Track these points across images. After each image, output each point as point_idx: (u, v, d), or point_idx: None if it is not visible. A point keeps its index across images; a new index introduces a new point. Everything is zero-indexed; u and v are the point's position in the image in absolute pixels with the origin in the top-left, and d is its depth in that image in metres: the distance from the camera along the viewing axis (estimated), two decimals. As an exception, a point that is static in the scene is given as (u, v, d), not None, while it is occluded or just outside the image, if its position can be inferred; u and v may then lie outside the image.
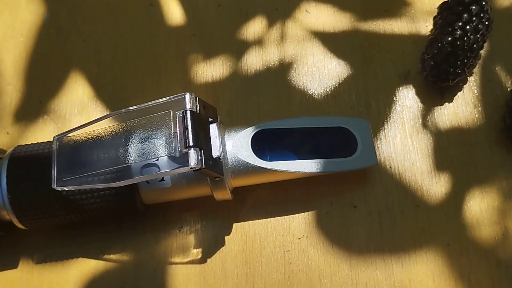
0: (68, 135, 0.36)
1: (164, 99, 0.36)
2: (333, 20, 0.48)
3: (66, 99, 0.47)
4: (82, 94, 0.47)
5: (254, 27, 0.49)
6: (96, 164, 0.35)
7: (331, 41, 0.48)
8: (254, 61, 0.47)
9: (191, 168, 0.33)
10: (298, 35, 0.48)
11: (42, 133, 0.46)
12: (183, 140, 0.34)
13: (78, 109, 0.47)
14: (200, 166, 0.33)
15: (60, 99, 0.47)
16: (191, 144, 0.33)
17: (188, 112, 0.34)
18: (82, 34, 0.50)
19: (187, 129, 0.34)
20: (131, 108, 0.36)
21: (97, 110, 0.47)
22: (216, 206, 0.42)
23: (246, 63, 0.47)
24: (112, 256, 0.41)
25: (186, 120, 0.34)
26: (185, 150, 0.33)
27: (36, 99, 0.47)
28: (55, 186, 0.35)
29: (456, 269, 0.39)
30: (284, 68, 0.47)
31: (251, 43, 0.48)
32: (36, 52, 0.50)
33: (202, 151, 0.34)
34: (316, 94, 0.46)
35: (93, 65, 0.49)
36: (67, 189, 0.35)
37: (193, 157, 0.33)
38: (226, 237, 0.41)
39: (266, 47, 0.48)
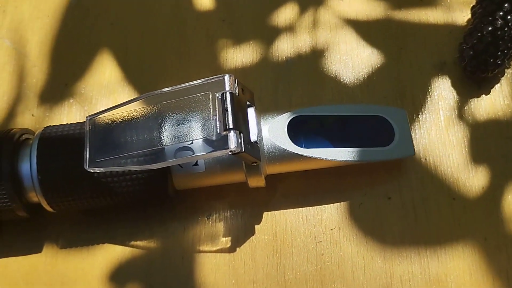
0: (101, 115, 0.35)
1: (200, 80, 0.34)
2: (366, 8, 0.47)
3: (93, 82, 0.46)
4: (109, 77, 0.46)
5: (286, 13, 0.48)
6: (129, 146, 0.34)
7: (364, 30, 0.47)
8: (285, 48, 0.46)
9: (231, 151, 0.32)
10: (330, 22, 0.47)
11: (68, 116, 0.45)
12: (222, 122, 0.33)
13: (105, 93, 0.46)
14: (240, 149, 0.32)
15: (86, 82, 0.46)
16: (231, 126, 0.32)
17: (228, 93, 0.33)
18: (109, 17, 0.49)
19: (227, 111, 0.33)
20: (165, 89, 0.35)
21: (124, 93, 0.45)
22: (245, 194, 0.41)
23: (276, 50, 0.46)
24: (139, 243, 0.40)
25: (226, 102, 0.33)
26: (224, 132, 0.32)
27: (62, 82, 0.46)
28: (87, 167, 0.34)
29: (494, 265, 0.38)
30: (315, 56, 0.46)
31: (282, 30, 0.47)
32: (62, 34, 0.48)
33: (241, 134, 0.33)
34: (349, 83, 0.45)
35: (120, 49, 0.47)
36: (99, 171, 0.34)
37: (233, 140, 0.32)
38: (256, 226, 0.40)
39: (297, 34, 0.47)
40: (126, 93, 0.45)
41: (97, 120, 0.35)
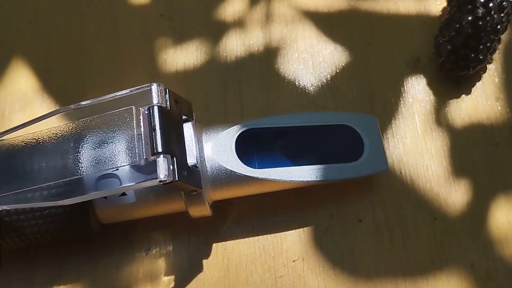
0: (1, 138, 0.28)
1: (124, 91, 0.28)
2: (327, -3, 0.41)
3: (6, 92, 0.39)
4: (25, 86, 0.39)
5: (234, 6, 0.41)
6: (38, 177, 0.27)
7: (325, 23, 0.41)
8: (234, 46, 0.40)
9: (160, 181, 0.25)
10: (286, 15, 0.41)
11: (-25, 134, 0.37)
12: (150, 144, 0.26)
13: (21, 105, 0.39)
14: (172, 179, 0.26)
15: (-3, 93, 0.39)
16: (159, 149, 0.26)
17: (156, 108, 0.27)
18: (26, 15, 0.42)
19: (154, 130, 0.26)
20: (83, 103, 0.28)
21: (44, 106, 0.38)
22: (191, 222, 0.34)
23: (224, 48, 0.40)
24: (63, 287, 0.33)
25: (153, 118, 0.26)
26: (152, 157, 0.26)
27: (-32, 93, 0.39)
28: (-18, 205, 0.27)
29: (483, 295, 0.32)
30: (270, 54, 0.40)
31: (231, 25, 0.41)
32: (-31, 36, 0.41)
33: (174, 158, 0.26)
34: (310, 85, 0.38)
35: (41, 51, 0.40)
36: (0, 209, 0.27)
37: (163, 167, 0.25)
38: (204, 261, 0.34)
39: (248, 29, 0.40)
40: (46, 105, 0.38)
41: (-5, 144, 0.28)
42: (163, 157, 0.26)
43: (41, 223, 0.29)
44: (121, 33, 0.41)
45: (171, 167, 0.26)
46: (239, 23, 0.41)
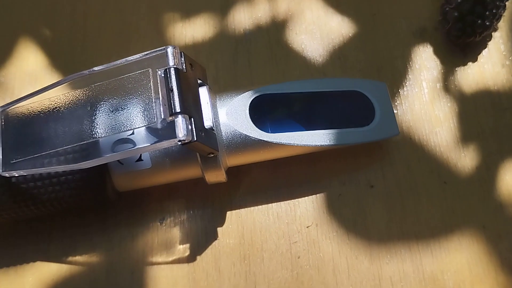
0: (16, 105, 0.28)
1: (139, 55, 0.28)
2: (333, -31, 0.41)
3: (15, 69, 0.39)
4: (34, 62, 0.39)
5: (241, -21, 0.41)
6: (54, 141, 0.27)
7: (331, -6, 0.41)
8: (242, 19, 0.40)
9: (180, 140, 0.25)
10: (293, -12, 0.41)
11: (-15, 110, 0.37)
12: (167, 105, 0.26)
13: (29, 81, 0.39)
14: (191, 138, 0.26)
15: (7, 70, 0.39)
16: (177, 110, 0.26)
17: (173, 69, 0.27)
18: (32, -9, 0.42)
19: (172, 91, 0.26)
20: (96, 68, 0.28)
21: (53, 80, 0.38)
22: (204, 191, 0.34)
23: (233, 21, 0.40)
24: (78, 258, 0.34)
25: (170, 79, 0.26)
26: (171, 118, 0.26)
27: (-24, 69, 0.39)
28: (1, 171, 0.27)
29: (496, 256, 0.33)
30: (278, 26, 0.40)
31: (238, -2, 0.41)
32: (-25, 14, 0.41)
33: (192, 119, 0.26)
34: (318, 56, 0.39)
35: (47, 27, 0.40)
36: (17, 175, 0.28)
37: (182, 127, 0.25)
38: (219, 229, 0.34)
39: (255, 2, 0.41)
40: (55, 79, 0.38)
41: (11, 112, 0.28)
42: (182, 117, 0.26)
43: (58, 189, 0.29)
44: (127, 8, 0.41)
45: (189, 127, 0.26)
46: (246, -4, 0.41)
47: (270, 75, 0.38)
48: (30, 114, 0.28)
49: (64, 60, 0.39)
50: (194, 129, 0.26)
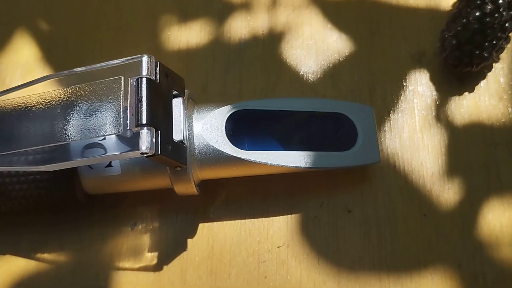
0: (-11, 100, 0.28)
1: (116, 61, 0.28)
2: (336, -15, 0.40)
3: (8, 59, 0.39)
4: (27, 54, 0.39)
5: (242, -13, 0.41)
6: (24, 140, 0.27)
7: (332, 10, 0.40)
8: (239, 27, 0.39)
9: (142, 153, 0.25)
10: (293, 0, 0.40)
11: (-27, 98, 0.37)
12: (135, 115, 0.26)
13: (21, 73, 0.39)
14: (154, 152, 0.25)
15: (0, 60, 0.39)
16: (144, 121, 0.25)
17: (144, 80, 0.26)
18: (32, -19, 0.42)
19: (141, 101, 0.26)
20: (76, 69, 0.28)
21: (44, 74, 0.38)
22: (179, 200, 0.34)
23: (229, 29, 0.39)
24: (47, 255, 0.34)
25: (141, 90, 0.26)
26: (136, 129, 0.25)
27: (-31, 57, 0.39)
28: (-32, 165, 0.27)
29: (468, 297, 0.32)
30: (274, 38, 0.39)
31: (237, 6, 0.40)
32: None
33: (159, 131, 0.26)
34: (311, 72, 0.38)
35: (43, 19, 0.40)
36: (-16, 170, 0.27)
37: (146, 139, 0.25)
38: (189, 240, 0.34)
39: (254, 11, 0.40)
40: (47, 73, 0.38)
41: (-17, 106, 0.28)
42: (147, 129, 0.25)
43: (26, 188, 0.29)
44: (125, 6, 0.41)
45: (154, 140, 0.26)
46: (246, 5, 0.40)
47: (260, 87, 0.38)
48: (3, 111, 0.28)
49: (58, 54, 0.39)
50: (159, 142, 0.26)
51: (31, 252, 0.34)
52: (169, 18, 0.40)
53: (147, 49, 0.39)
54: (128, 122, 0.26)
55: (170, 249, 0.34)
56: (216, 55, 0.39)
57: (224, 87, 0.38)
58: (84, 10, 0.41)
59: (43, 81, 0.28)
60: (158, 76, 0.27)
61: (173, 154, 0.27)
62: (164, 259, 0.33)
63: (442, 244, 0.33)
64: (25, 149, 0.27)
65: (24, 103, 0.28)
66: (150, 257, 0.33)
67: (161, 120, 0.27)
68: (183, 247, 0.33)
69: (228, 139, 0.30)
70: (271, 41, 0.39)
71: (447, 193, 0.34)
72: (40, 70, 0.39)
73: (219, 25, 0.40)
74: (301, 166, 0.31)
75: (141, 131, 0.25)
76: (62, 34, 0.40)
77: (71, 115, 0.27)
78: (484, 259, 0.33)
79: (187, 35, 0.39)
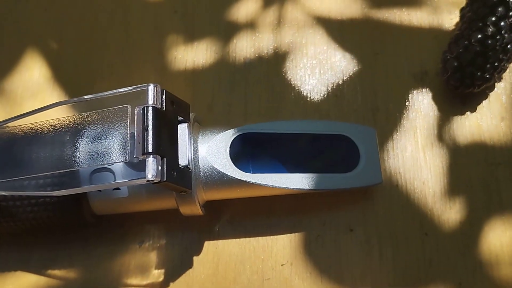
0: (1, 126, 0.29)
1: (123, 89, 0.28)
2: (341, 4, 0.41)
3: (19, 78, 0.40)
4: (38, 74, 0.40)
5: (247, 7, 0.41)
6: (34, 166, 0.28)
7: (336, 30, 0.40)
8: (244, 47, 0.40)
9: (148, 180, 0.26)
10: (298, 20, 0.41)
11: (-14, 117, 0.38)
12: (141, 144, 0.26)
13: (32, 92, 0.40)
14: (159, 179, 0.26)
15: (11, 79, 0.40)
16: (150, 150, 0.26)
17: (150, 108, 0.27)
18: (43, 1, 0.43)
19: (147, 130, 0.27)
20: (85, 97, 0.29)
21: (54, 94, 0.40)
22: (185, 219, 0.35)
23: (234, 49, 0.40)
24: (57, 272, 0.35)
25: (147, 118, 0.27)
26: (142, 157, 0.26)
27: (-18, 76, 0.40)
28: (-19, 189, 0.28)
29: (468, 316, 0.32)
30: (279, 58, 0.40)
31: (242, 26, 0.41)
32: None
33: (165, 159, 0.27)
34: (315, 91, 0.39)
35: (54, 39, 0.41)
36: (-4, 194, 0.29)
37: (151, 167, 0.26)
38: (195, 258, 0.34)
39: (259, 31, 0.41)
40: (56, 93, 0.40)
41: (-4, 132, 0.29)
42: (153, 157, 0.26)
43: (36, 210, 0.30)
44: (133, 26, 0.42)
45: (160, 167, 0.26)
46: (251, 25, 0.41)
47: (264, 107, 0.38)
48: (13, 136, 0.29)
49: (67, 73, 0.40)
50: (165, 169, 0.27)
51: (41, 269, 0.35)
52: (175, 38, 0.41)
53: (154, 69, 0.40)
54: (134, 150, 0.27)
55: (176, 266, 0.34)
56: (221, 75, 0.39)
57: (229, 106, 0.38)
58: (93, 29, 0.42)
59: (53, 107, 0.29)
60: (163, 104, 0.28)
61: (178, 179, 0.28)
62: (171, 276, 0.34)
63: (443, 262, 0.34)
64: (37, 175, 0.28)
65: (34, 129, 0.29)
66: (157, 274, 0.34)
67: (166, 147, 0.27)
68: (189, 265, 0.34)
69: (233, 162, 0.31)
70: (276, 60, 0.40)
71: (449, 212, 0.35)
72: (50, 89, 0.40)
73: (225, 45, 0.40)
74: (304, 188, 0.32)
75: (147, 159, 0.26)
76: (72, 54, 0.41)
77: (80, 141, 0.28)
78: (485, 278, 0.33)
79: (193, 55, 0.40)
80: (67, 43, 0.41)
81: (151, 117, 0.27)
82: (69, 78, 0.40)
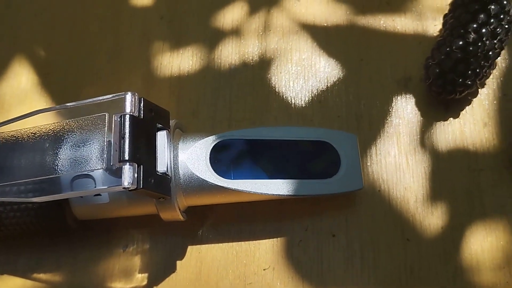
0: (-18, 134, 0.30)
1: (102, 97, 0.29)
2: (326, 11, 0.41)
3: (6, 85, 0.41)
4: (26, 79, 0.41)
5: (233, 14, 0.42)
6: (15, 173, 0.29)
7: (321, 36, 0.41)
8: (229, 53, 0.41)
9: (124, 187, 0.26)
10: (283, 26, 0.41)
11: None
12: (118, 151, 0.27)
13: (20, 98, 0.40)
14: (136, 186, 0.27)
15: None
16: (126, 157, 0.27)
17: (127, 116, 0.28)
18: (34, 6, 0.43)
19: (124, 138, 0.27)
20: (66, 104, 0.30)
21: (41, 100, 0.40)
22: (169, 224, 0.35)
23: (220, 55, 0.41)
24: (42, 276, 0.35)
25: (124, 126, 0.27)
26: (119, 164, 0.27)
27: (-30, 82, 0.41)
28: (-38, 196, 0.28)
29: (448, 322, 0.33)
30: (264, 64, 0.40)
31: (228, 32, 0.41)
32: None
33: (141, 166, 0.27)
34: (299, 97, 0.39)
35: (43, 45, 0.42)
36: (-22, 200, 0.29)
37: (127, 175, 0.26)
38: (178, 262, 0.35)
39: (245, 38, 0.41)
40: (44, 100, 0.40)
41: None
42: (129, 165, 0.27)
43: (19, 215, 0.31)
44: (123, 33, 0.42)
45: (136, 175, 0.27)
46: (237, 31, 0.41)
47: (249, 112, 0.39)
48: (-4, 144, 0.29)
49: (56, 78, 0.41)
50: (141, 177, 0.27)
51: (28, 272, 0.35)
52: (162, 44, 0.41)
53: (140, 75, 0.40)
54: (111, 157, 0.27)
55: (159, 270, 0.35)
56: (207, 81, 0.40)
57: (214, 111, 0.39)
58: (83, 35, 0.42)
59: (35, 114, 0.29)
60: (141, 112, 0.29)
61: (156, 186, 0.28)
62: (154, 280, 0.34)
63: (424, 268, 0.34)
64: (18, 181, 0.29)
65: (15, 136, 0.29)
66: (141, 278, 0.35)
67: (143, 154, 0.28)
68: (172, 269, 0.35)
69: (213, 168, 0.31)
70: (261, 66, 0.40)
71: (431, 217, 0.35)
72: (37, 96, 0.40)
73: (210, 51, 0.41)
74: (284, 194, 0.32)
75: (123, 166, 0.27)
76: (61, 60, 0.41)
77: (59, 149, 0.28)
78: (466, 283, 0.33)
79: (179, 61, 0.41)
80: (56, 49, 0.42)
81: (128, 125, 0.27)
82: (57, 85, 0.40)
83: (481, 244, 0.34)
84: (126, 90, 0.29)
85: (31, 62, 0.41)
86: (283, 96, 0.39)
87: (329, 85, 0.39)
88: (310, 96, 0.39)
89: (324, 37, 0.41)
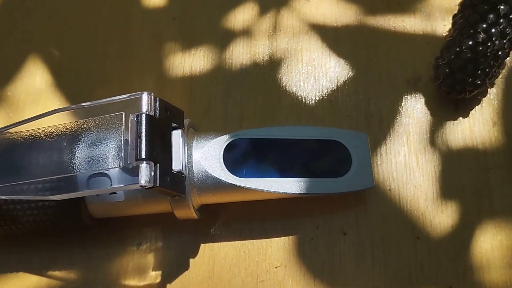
0: (1, 133, 0.30)
1: (119, 97, 0.29)
2: (336, 11, 0.42)
3: (21, 84, 0.41)
4: (40, 80, 0.41)
5: (244, 14, 0.42)
6: (33, 171, 0.29)
7: (331, 36, 0.41)
8: (240, 54, 0.41)
9: (141, 186, 0.27)
10: (294, 26, 0.42)
11: (-11, 122, 0.40)
12: (135, 150, 0.27)
13: (34, 97, 0.41)
14: (152, 184, 0.27)
15: (14, 85, 0.41)
16: (143, 156, 0.27)
17: (144, 116, 0.28)
18: (46, 10, 0.44)
19: (140, 137, 0.28)
20: (82, 104, 0.30)
21: (55, 99, 0.41)
22: (182, 222, 0.35)
23: (231, 55, 0.41)
24: (57, 273, 0.36)
25: (140, 125, 0.28)
26: (136, 163, 0.27)
27: (-16, 82, 0.41)
28: (-18, 194, 0.29)
29: (458, 319, 0.33)
30: (274, 64, 0.41)
31: (239, 33, 0.42)
32: (-10, 26, 0.43)
33: (158, 165, 0.28)
34: (310, 97, 0.39)
35: (56, 46, 0.42)
36: (-3, 198, 0.30)
37: (144, 173, 0.27)
38: (191, 260, 0.35)
39: (255, 38, 0.41)
40: (57, 99, 0.40)
41: (-4, 138, 0.30)
42: (146, 163, 0.27)
43: (36, 213, 0.31)
44: (133, 33, 0.42)
45: (153, 173, 0.27)
46: (247, 32, 0.42)
47: (260, 112, 0.39)
48: (12, 143, 0.30)
49: (69, 79, 0.41)
50: (158, 175, 0.27)
51: (42, 270, 0.35)
52: (173, 45, 0.42)
53: (152, 76, 0.41)
54: (128, 156, 0.27)
55: (173, 268, 0.35)
56: (218, 80, 0.40)
57: (225, 111, 0.39)
58: (95, 36, 0.43)
59: (51, 114, 0.30)
60: (157, 111, 0.29)
61: (171, 185, 0.29)
62: (167, 278, 0.35)
63: (434, 266, 0.34)
64: (36, 180, 0.29)
65: (33, 135, 0.30)
66: (154, 276, 0.35)
67: (159, 153, 0.28)
68: (185, 267, 0.35)
69: (226, 167, 0.32)
70: (271, 66, 0.40)
71: (440, 216, 0.35)
72: (51, 95, 0.41)
73: (221, 51, 0.41)
74: (296, 192, 0.33)
75: (140, 165, 0.27)
76: (73, 61, 0.42)
77: (77, 148, 0.29)
78: (475, 282, 0.34)
79: (190, 61, 0.41)
80: (69, 50, 0.42)
81: (144, 124, 0.28)
82: (70, 84, 0.41)
83: (490, 242, 0.35)
84: (138, 91, 0.30)
85: (44, 63, 0.42)
86: (293, 96, 0.39)
87: (339, 84, 0.40)
88: (321, 95, 0.39)
89: (334, 37, 0.41)
